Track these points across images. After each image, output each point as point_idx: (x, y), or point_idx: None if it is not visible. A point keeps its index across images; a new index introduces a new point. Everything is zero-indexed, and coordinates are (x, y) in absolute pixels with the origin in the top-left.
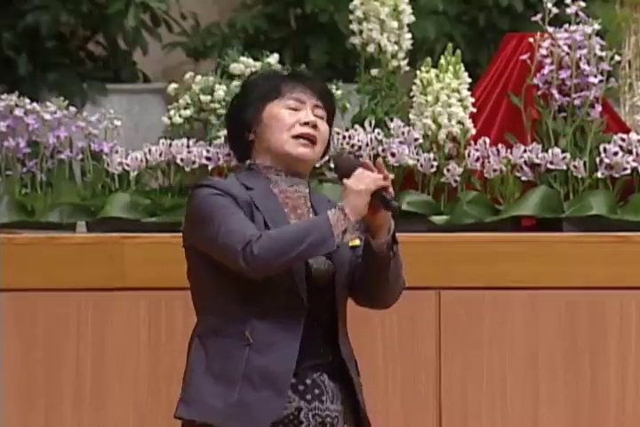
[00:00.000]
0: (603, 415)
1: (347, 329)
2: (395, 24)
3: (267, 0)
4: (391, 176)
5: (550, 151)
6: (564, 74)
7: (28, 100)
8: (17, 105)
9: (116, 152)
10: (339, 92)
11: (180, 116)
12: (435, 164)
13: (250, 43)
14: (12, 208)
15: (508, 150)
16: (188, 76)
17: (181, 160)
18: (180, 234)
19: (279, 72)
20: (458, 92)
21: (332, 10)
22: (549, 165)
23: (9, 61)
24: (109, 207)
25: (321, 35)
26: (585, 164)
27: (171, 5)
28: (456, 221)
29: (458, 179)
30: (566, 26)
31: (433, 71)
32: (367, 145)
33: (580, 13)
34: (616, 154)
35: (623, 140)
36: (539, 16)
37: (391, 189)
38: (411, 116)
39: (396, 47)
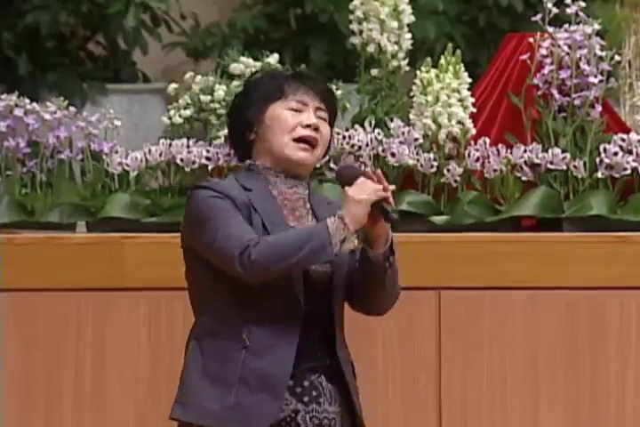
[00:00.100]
0: (603, 415)
1: (344, 332)
2: (395, 24)
3: (267, 0)
4: (392, 187)
5: (550, 151)
6: (564, 74)
7: (27, 100)
8: (17, 105)
9: (116, 152)
10: (339, 92)
11: (180, 116)
12: (435, 164)
13: (250, 43)
14: (12, 208)
15: (508, 150)
16: (187, 76)
17: (181, 160)
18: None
19: (283, 72)
20: (458, 92)
21: (332, 10)
22: (549, 165)
23: (9, 61)
24: (109, 207)
25: (321, 35)
26: (585, 164)
27: (171, 5)
28: (456, 222)
29: (458, 179)
30: (566, 26)
31: (433, 71)
32: (367, 145)
33: (580, 13)
34: (616, 154)
35: (623, 140)
36: (539, 16)
37: (392, 200)
38: (411, 116)
39: (395, 47)
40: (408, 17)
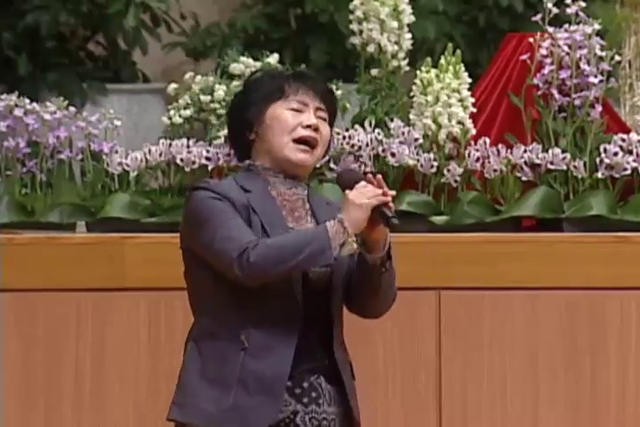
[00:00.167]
0: (603, 415)
1: (343, 333)
2: (395, 24)
3: (267, 0)
4: (392, 193)
5: (550, 151)
6: (564, 74)
7: (27, 100)
8: (17, 105)
9: (116, 152)
10: (339, 92)
11: (179, 116)
12: (435, 164)
13: (250, 43)
14: (12, 208)
15: (509, 150)
16: (187, 76)
17: (181, 160)
18: None
19: (283, 72)
20: (458, 92)
21: (332, 10)
22: (549, 166)
23: (9, 61)
24: (109, 207)
25: (321, 35)
26: (585, 164)
27: (171, 5)
28: (456, 222)
29: (458, 179)
30: (566, 26)
31: (433, 71)
32: (367, 145)
33: (581, 13)
34: (616, 154)
35: (623, 140)
36: (539, 16)
37: (392, 205)
38: (411, 116)
39: (396, 47)
40: (408, 17)
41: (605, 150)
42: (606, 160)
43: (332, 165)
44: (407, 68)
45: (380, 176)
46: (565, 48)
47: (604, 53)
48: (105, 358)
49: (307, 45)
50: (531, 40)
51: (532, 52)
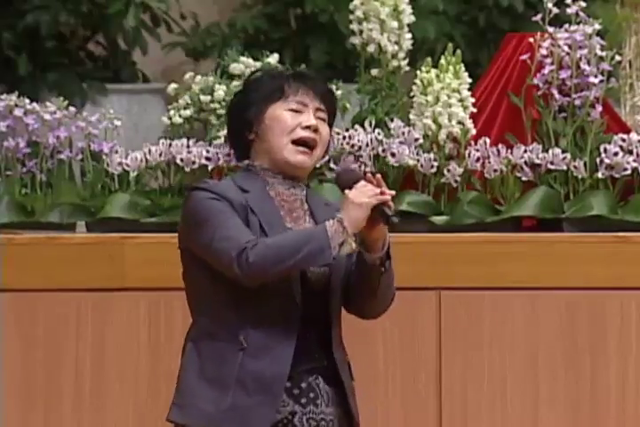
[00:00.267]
0: (603, 415)
1: (341, 334)
2: (395, 24)
3: (267, 0)
4: (392, 192)
5: (550, 151)
6: (564, 74)
7: (27, 100)
8: (17, 105)
9: (116, 152)
10: (339, 92)
11: (179, 116)
12: (435, 164)
13: (250, 43)
14: (12, 208)
15: (509, 151)
16: (187, 76)
17: (181, 160)
18: None
19: (283, 72)
20: (458, 92)
21: (332, 10)
22: (550, 166)
23: (9, 61)
24: (109, 207)
25: (321, 35)
26: (585, 164)
27: (171, 5)
28: (456, 222)
29: (458, 179)
30: (566, 26)
31: (433, 71)
32: (367, 145)
33: (581, 13)
34: (616, 154)
35: (623, 140)
36: (539, 16)
37: (391, 204)
38: (411, 116)
39: (396, 47)
40: (408, 17)
41: (605, 150)
42: (606, 160)
43: (332, 166)
44: (407, 68)
45: (379, 175)
46: (565, 48)
47: (604, 53)
48: (105, 358)
49: (307, 45)
50: (531, 40)
51: (532, 52)
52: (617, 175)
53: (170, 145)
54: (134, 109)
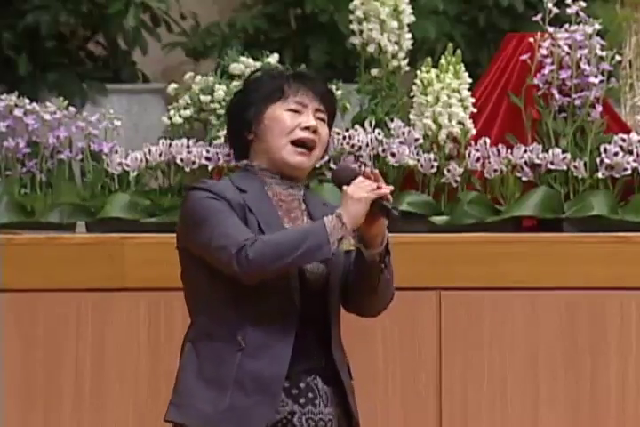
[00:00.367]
0: (603, 415)
1: (340, 334)
2: (395, 24)
3: (267, 0)
4: (390, 188)
5: (551, 152)
6: (564, 74)
7: (27, 101)
8: (17, 105)
9: (116, 152)
10: (339, 92)
11: (179, 116)
12: (435, 164)
13: (250, 43)
14: (12, 208)
15: (509, 151)
16: (187, 76)
17: (181, 160)
18: None
19: (283, 72)
20: (458, 92)
21: (332, 10)
22: (550, 166)
23: (9, 61)
24: (109, 207)
25: (321, 35)
26: (585, 164)
27: (171, 5)
28: (456, 222)
29: (458, 179)
30: (567, 26)
31: (433, 71)
32: (367, 145)
33: (581, 13)
34: (616, 154)
35: (624, 140)
36: (539, 16)
37: (390, 198)
38: (411, 116)
39: (396, 47)
40: (408, 17)
41: (606, 150)
42: (606, 160)
43: (332, 166)
44: (407, 68)
45: (376, 171)
46: (566, 48)
47: (604, 53)
48: (105, 358)
49: (307, 45)
50: (531, 40)
51: (533, 52)
52: (617, 175)
53: (170, 145)
54: (134, 109)
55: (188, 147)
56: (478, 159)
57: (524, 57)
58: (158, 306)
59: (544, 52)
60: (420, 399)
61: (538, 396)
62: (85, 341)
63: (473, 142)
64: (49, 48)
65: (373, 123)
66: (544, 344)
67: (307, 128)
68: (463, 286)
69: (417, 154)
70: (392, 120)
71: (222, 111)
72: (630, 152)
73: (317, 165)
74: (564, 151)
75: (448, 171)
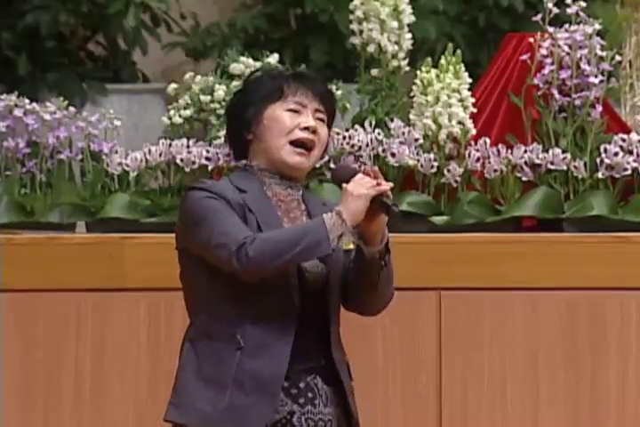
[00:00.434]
0: (603, 415)
1: (340, 333)
2: (395, 24)
3: (267, 0)
4: (390, 184)
5: (551, 152)
6: (564, 74)
7: (27, 101)
8: (16, 105)
9: (116, 152)
10: (339, 92)
11: (179, 116)
12: (435, 164)
13: (250, 43)
14: (12, 208)
15: (509, 151)
16: (187, 76)
17: (181, 160)
18: None
19: (282, 72)
20: (458, 92)
21: (332, 10)
22: (550, 166)
23: (9, 61)
24: (109, 208)
25: (321, 35)
26: (585, 164)
27: (171, 5)
28: (456, 222)
29: (458, 179)
30: (567, 26)
31: (433, 71)
32: (367, 145)
33: (581, 13)
34: (616, 154)
35: (624, 140)
36: (539, 16)
37: (390, 194)
38: (411, 116)
39: (396, 47)
40: (408, 17)
41: (606, 150)
42: (606, 160)
43: (332, 165)
44: (407, 68)
45: (375, 168)
46: (566, 48)
47: (604, 53)
48: (105, 358)
49: (307, 45)
50: (531, 40)
51: (533, 52)
52: (617, 175)
53: (170, 145)
54: (134, 109)
55: (187, 147)
56: (478, 159)
57: (524, 57)
58: (158, 306)
59: (544, 52)
60: (419, 399)
61: (538, 396)
62: (85, 341)
63: (473, 142)
64: (49, 48)
65: (373, 123)
66: (544, 344)
67: (306, 128)
68: (463, 286)
69: (417, 154)
70: (392, 120)
71: (222, 111)
72: (630, 152)
73: (317, 165)
74: (564, 151)
75: (448, 171)
